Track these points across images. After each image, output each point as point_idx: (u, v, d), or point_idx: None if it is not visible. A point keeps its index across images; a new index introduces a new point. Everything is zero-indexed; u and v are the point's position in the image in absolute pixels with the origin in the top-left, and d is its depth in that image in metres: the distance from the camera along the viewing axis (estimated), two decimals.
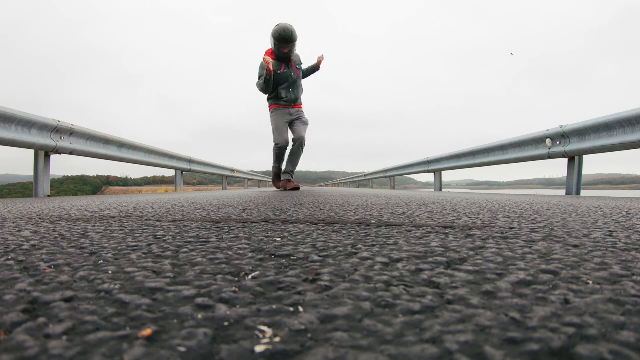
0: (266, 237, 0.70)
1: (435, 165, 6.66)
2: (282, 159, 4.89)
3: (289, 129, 4.79)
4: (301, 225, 0.88)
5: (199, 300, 0.33)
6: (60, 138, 3.58)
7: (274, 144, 4.78)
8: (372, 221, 0.96)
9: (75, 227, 0.86)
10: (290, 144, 4.74)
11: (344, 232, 0.77)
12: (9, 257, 0.52)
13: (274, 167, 5.00)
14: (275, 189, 4.69)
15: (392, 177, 9.94)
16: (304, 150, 4.84)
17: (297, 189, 4.57)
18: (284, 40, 4.22)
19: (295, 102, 4.72)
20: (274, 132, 4.74)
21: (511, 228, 0.82)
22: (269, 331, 0.26)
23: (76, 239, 0.69)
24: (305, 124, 4.79)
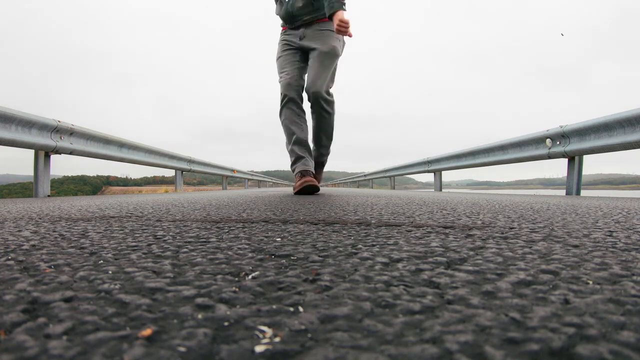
0: (266, 237, 0.70)
1: (435, 165, 6.66)
2: (298, 130, 2.63)
3: (300, 68, 2.68)
4: (301, 225, 0.88)
5: (199, 300, 0.33)
6: (60, 138, 3.58)
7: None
8: (372, 221, 0.96)
9: (75, 227, 0.86)
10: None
11: (344, 232, 0.77)
12: (9, 257, 0.52)
13: (289, 154, 2.74)
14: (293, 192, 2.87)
15: (392, 177, 9.94)
16: (333, 109, 2.68)
17: (314, 188, 2.60)
18: None
19: (293, 20, 2.66)
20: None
21: (511, 228, 0.82)
22: (269, 331, 0.26)
23: (76, 239, 0.69)
24: (324, 57, 2.51)
